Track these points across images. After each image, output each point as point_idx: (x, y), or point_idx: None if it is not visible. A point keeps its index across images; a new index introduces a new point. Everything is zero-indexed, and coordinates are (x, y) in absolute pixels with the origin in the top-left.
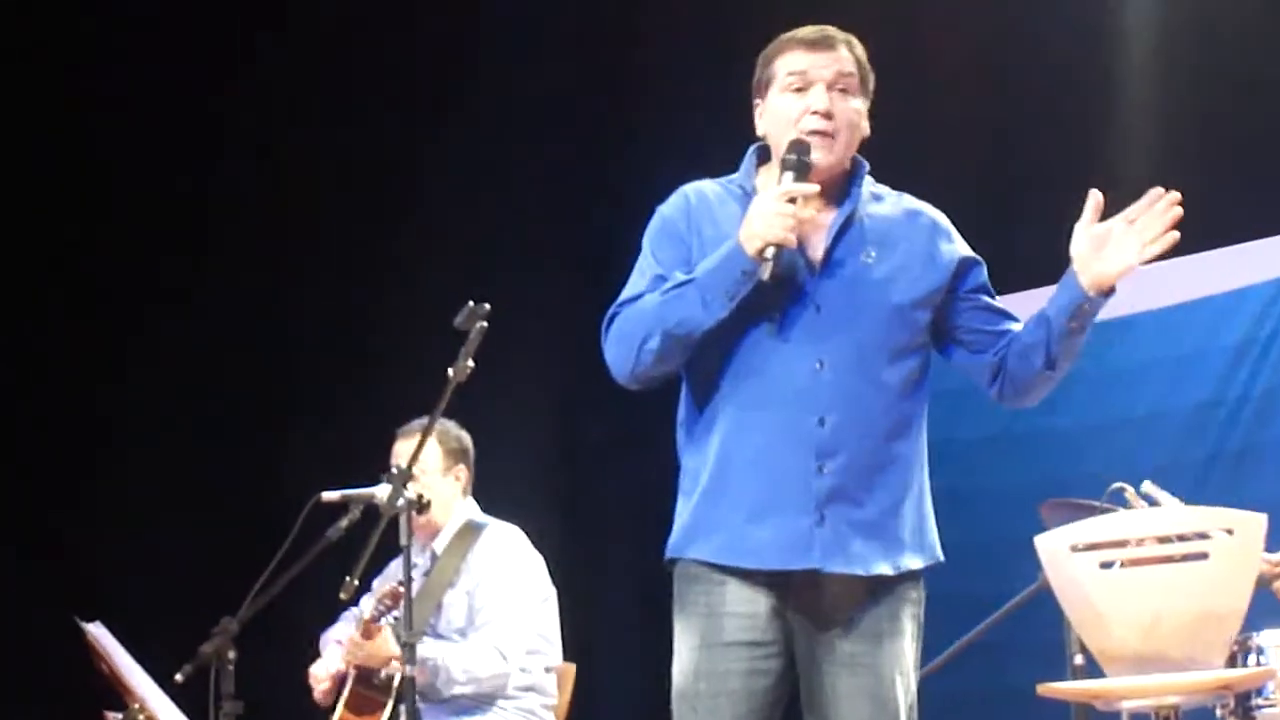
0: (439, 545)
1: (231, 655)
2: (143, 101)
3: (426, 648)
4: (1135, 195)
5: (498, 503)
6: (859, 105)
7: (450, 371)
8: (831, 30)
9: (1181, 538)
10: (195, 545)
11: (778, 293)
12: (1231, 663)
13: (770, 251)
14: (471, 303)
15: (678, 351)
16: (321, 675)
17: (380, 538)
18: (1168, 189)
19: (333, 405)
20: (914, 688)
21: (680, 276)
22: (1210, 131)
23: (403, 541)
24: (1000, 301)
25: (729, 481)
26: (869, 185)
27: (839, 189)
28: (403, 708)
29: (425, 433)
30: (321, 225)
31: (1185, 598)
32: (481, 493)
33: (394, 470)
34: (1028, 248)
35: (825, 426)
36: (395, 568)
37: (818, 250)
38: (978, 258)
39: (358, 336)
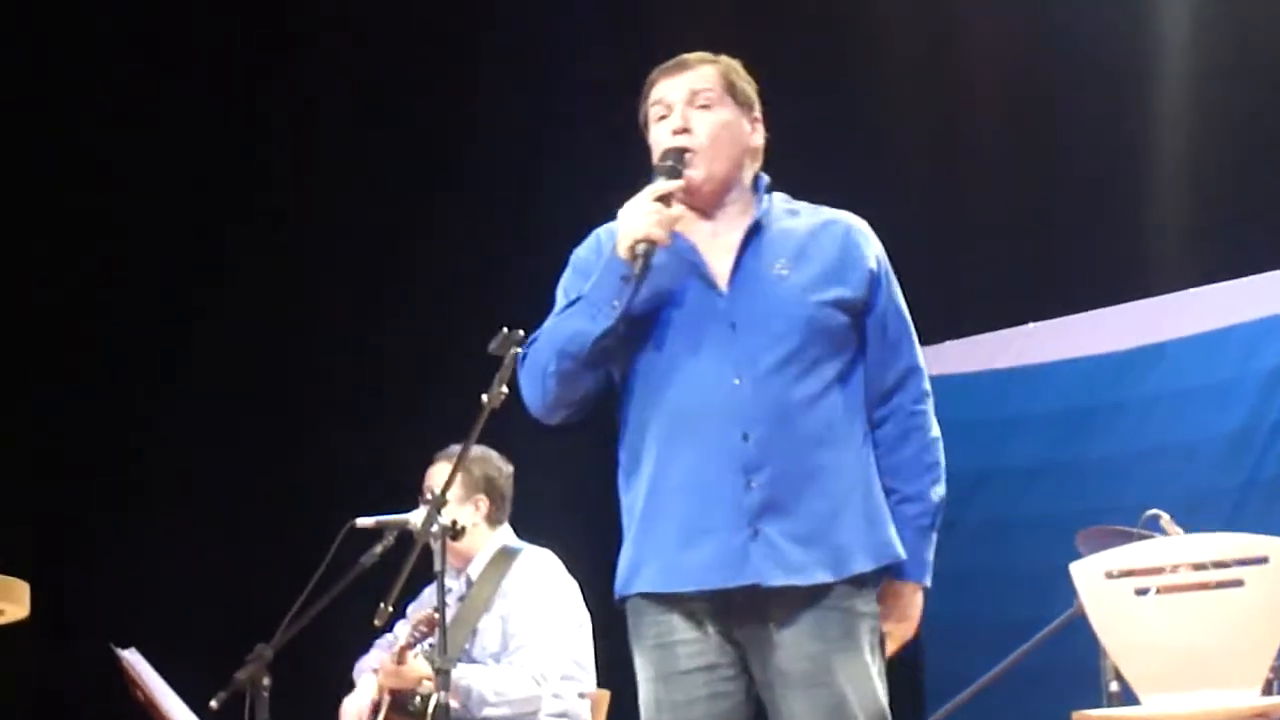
0: (474, 571)
1: (266, 682)
2: (173, 118)
3: (458, 671)
4: (1173, 219)
5: (534, 527)
6: (725, 116)
7: (484, 398)
8: (686, 56)
9: (1217, 565)
10: (230, 572)
11: (691, 317)
12: (1267, 690)
13: (641, 248)
14: (506, 329)
15: (577, 370)
16: (352, 712)
17: (415, 564)
18: (1206, 213)
19: (368, 432)
20: (881, 699)
21: (566, 302)
22: (1246, 160)
23: (437, 568)
24: (1043, 326)
25: (661, 509)
26: (782, 201)
27: (741, 205)
28: None
29: (459, 460)
30: (357, 246)
31: (1220, 625)
32: (518, 517)
33: (427, 497)
34: (1059, 273)
35: (749, 441)
36: (428, 595)
37: (726, 267)
38: (883, 276)
39: (394, 361)
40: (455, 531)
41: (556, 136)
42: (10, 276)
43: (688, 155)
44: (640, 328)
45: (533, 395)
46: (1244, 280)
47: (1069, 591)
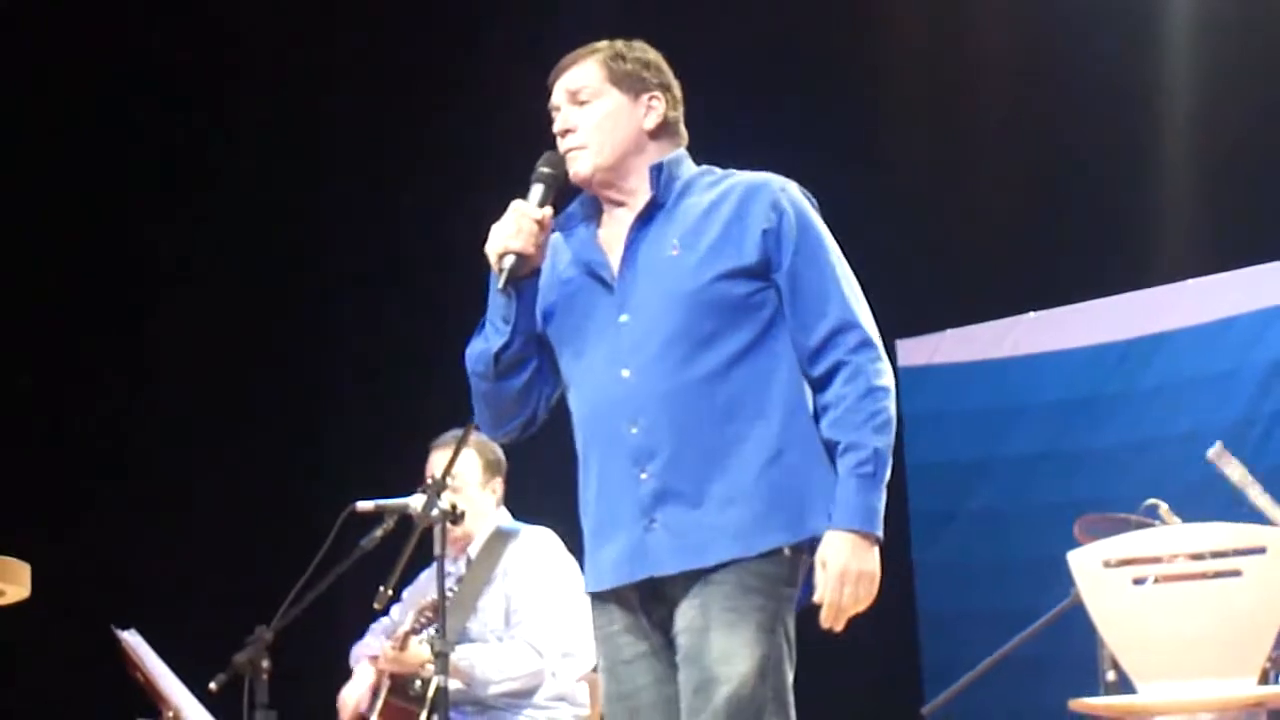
0: (473, 551)
1: (266, 664)
2: (186, 99)
3: (460, 652)
4: (1173, 212)
5: (533, 509)
6: (606, 107)
7: None
8: (574, 52)
9: (1215, 554)
10: (230, 554)
11: (587, 315)
12: (1264, 680)
13: (507, 261)
14: None
15: (495, 388)
16: (350, 703)
17: (414, 548)
18: (1207, 203)
19: (368, 416)
20: (753, 680)
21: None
22: (1247, 151)
23: (437, 552)
24: (1043, 315)
25: (587, 513)
26: (701, 176)
27: (645, 189)
28: (436, 718)
29: (459, 444)
30: (359, 228)
31: (1218, 614)
32: (517, 499)
33: (430, 481)
34: (1059, 263)
35: (638, 431)
36: (425, 579)
37: (616, 258)
38: (787, 232)
39: (394, 344)
40: (455, 516)
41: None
42: (7, 261)
43: (570, 154)
44: (556, 335)
45: (479, 418)
46: (1244, 271)
47: (1067, 581)
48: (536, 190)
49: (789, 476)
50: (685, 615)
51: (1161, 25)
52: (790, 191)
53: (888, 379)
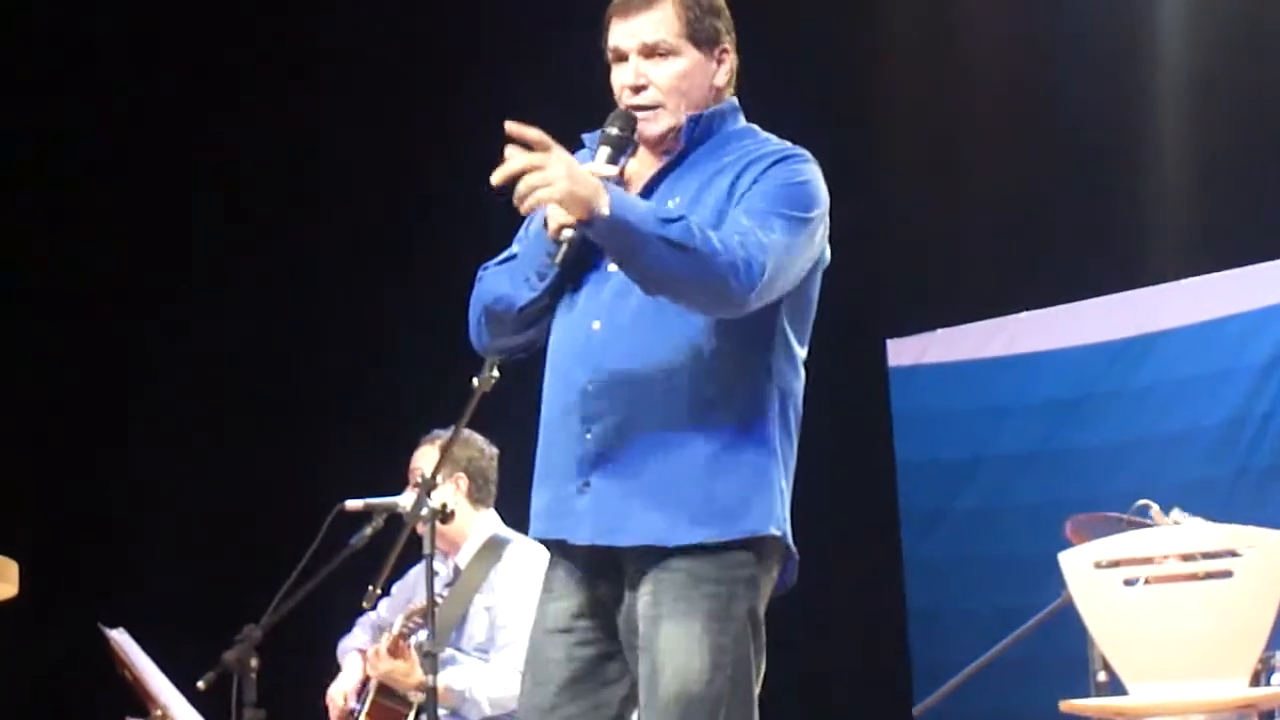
0: (462, 559)
1: (254, 663)
2: (171, 108)
3: (454, 677)
4: (1167, 209)
5: (523, 515)
6: (683, 65)
7: (475, 381)
8: None
9: (1206, 555)
10: (218, 552)
11: (586, 254)
12: (1255, 681)
13: (567, 233)
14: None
15: (505, 327)
16: (339, 700)
17: (403, 547)
18: (1200, 204)
19: (357, 413)
20: (703, 673)
21: (515, 250)
22: (1241, 150)
23: (426, 551)
24: (1034, 315)
25: (539, 452)
26: (737, 134)
27: (676, 141)
28: (424, 718)
29: (449, 443)
30: (347, 231)
31: (1209, 615)
32: (511, 502)
33: (415, 480)
34: (1051, 262)
35: (593, 389)
36: (414, 576)
37: None
38: (749, 166)
39: (383, 343)
40: (444, 515)
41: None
42: (5, 261)
43: (643, 114)
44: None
45: (472, 333)
46: (1237, 271)
47: (1058, 581)
48: (604, 153)
49: (734, 470)
50: (641, 602)
51: (1154, 26)
52: (791, 156)
53: (752, 275)
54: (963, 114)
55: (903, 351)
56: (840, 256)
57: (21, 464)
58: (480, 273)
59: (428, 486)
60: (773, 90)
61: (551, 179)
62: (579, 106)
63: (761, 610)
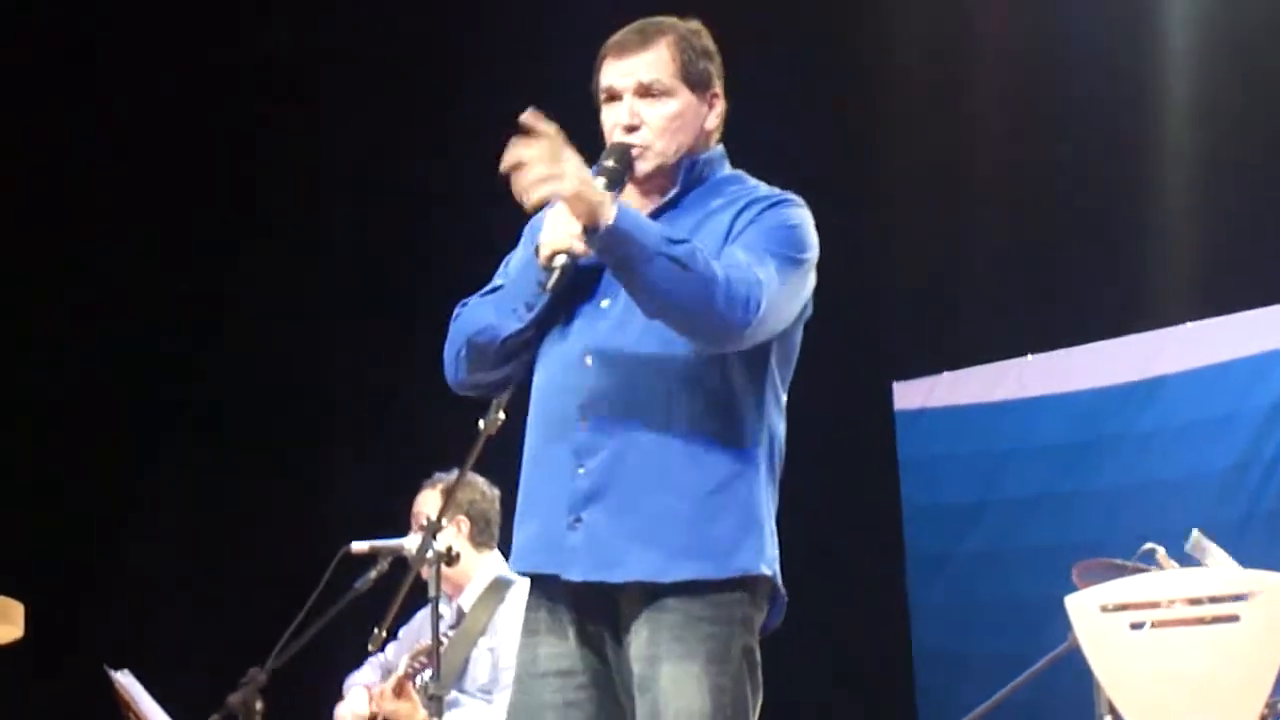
0: (466, 601)
1: (259, 706)
2: (181, 137)
3: (458, 719)
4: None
5: None
6: (676, 106)
7: (481, 424)
8: (641, 27)
9: (1213, 599)
10: (224, 594)
11: (576, 289)
12: None
13: (560, 260)
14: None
15: (487, 360)
16: (347, 716)
17: (408, 589)
18: (1205, 248)
19: (363, 455)
20: (715, 716)
21: (499, 283)
22: (1245, 195)
23: (431, 594)
24: (1040, 358)
25: (522, 486)
26: (726, 179)
27: (669, 182)
28: None
29: (454, 486)
30: (355, 274)
31: (1215, 660)
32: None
33: (424, 522)
34: (1056, 306)
35: (587, 423)
36: (421, 619)
37: None
38: (744, 210)
39: (389, 387)
40: (450, 558)
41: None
42: (12, 299)
43: (635, 151)
44: (549, 303)
45: (448, 368)
46: (1242, 315)
47: (1064, 624)
48: (600, 183)
49: (728, 510)
50: (636, 643)
51: (1160, 68)
52: (784, 201)
53: (749, 311)
54: (969, 159)
55: (909, 395)
56: (847, 300)
57: (27, 505)
58: (459, 309)
59: (433, 529)
60: (781, 135)
61: (563, 173)
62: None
63: (756, 649)
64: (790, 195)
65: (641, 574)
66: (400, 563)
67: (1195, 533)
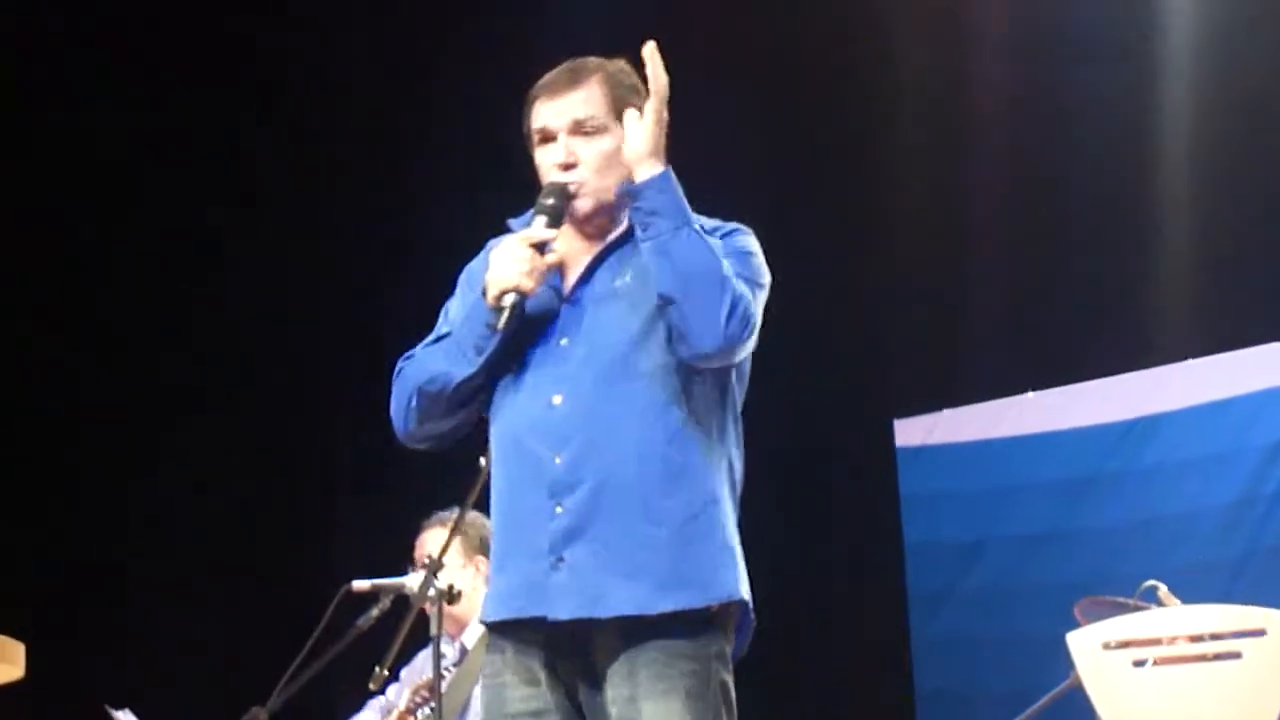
0: (469, 639)
1: None
2: (176, 140)
3: None
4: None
5: None
6: (611, 143)
7: (482, 461)
8: (570, 67)
9: (1215, 636)
10: (225, 633)
11: (534, 332)
12: None
13: (509, 299)
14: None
15: (439, 409)
16: None
17: (410, 628)
18: (1205, 285)
19: (365, 493)
20: None
21: (445, 331)
22: (1246, 232)
23: (433, 632)
24: (1041, 395)
25: (497, 535)
26: None
27: (618, 222)
28: None
29: (456, 523)
30: (355, 310)
31: (1218, 697)
32: None
33: (425, 560)
34: (1058, 343)
35: (560, 462)
36: (423, 659)
37: (571, 281)
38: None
39: (389, 424)
40: (451, 596)
41: None
42: (11, 334)
43: (572, 187)
44: (500, 346)
45: (397, 420)
46: (1243, 352)
47: (1066, 662)
48: (541, 221)
49: (705, 537)
50: (613, 683)
51: (1161, 104)
52: (739, 232)
53: (746, 328)
54: (969, 198)
55: (910, 432)
56: (848, 337)
57: (27, 544)
58: (401, 362)
59: (435, 567)
60: (781, 171)
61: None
62: None
63: (731, 683)
64: (739, 224)
65: (629, 608)
66: (402, 601)
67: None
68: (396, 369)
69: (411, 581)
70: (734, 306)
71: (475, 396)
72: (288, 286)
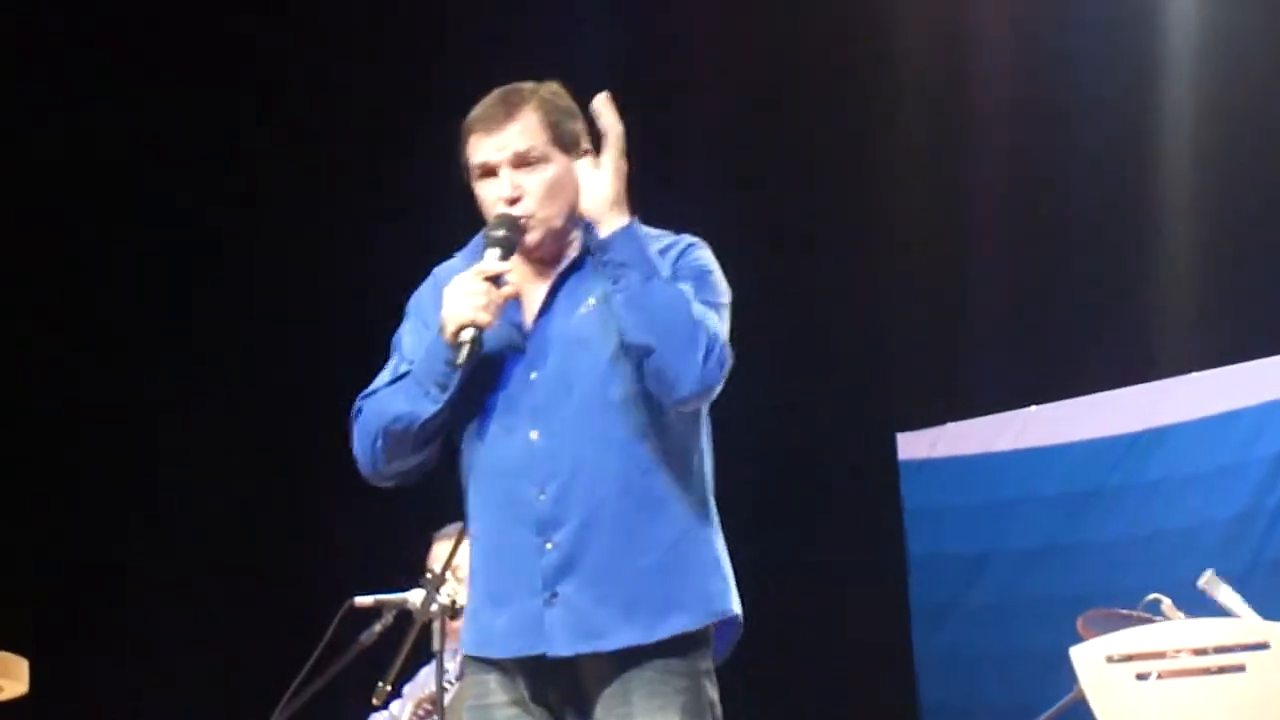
0: None
1: None
2: (183, 155)
3: None
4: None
5: None
6: (553, 171)
7: None
8: (504, 97)
9: (1219, 649)
10: (228, 648)
11: (499, 369)
12: None
13: (467, 334)
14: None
15: (405, 448)
16: None
17: (413, 643)
18: (1208, 298)
19: (367, 509)
20: None
21: (404, 369)
22: (1250, 244)
23: (435, 647)
24: (1044, 409)
25: (479, 573)
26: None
27: (576, 243)
28: None
29: (459, 538)
30: (355, 322)
31: (1222, 711)
32: None
33: (428, 575)
34: (1061, 356)
35: (545, 498)
36: (426, 674)
37: (532, 314)
38: (684, 277)
39: None
40: (455, 611)
41: None
42: (12, 349)
43: (522, 222)
44: (462, 386)
45: (363, 461)
46: (1247, 365)
47: (1070, 675)
48: (493, 256)
49: (694, 559)
50: (606, 705)
51: (1162, 117)
52: (695, 247)
53: (723, 367)
54: (970, 211)
55: (913, 445)
56: (851, 351)
57: (31, 561)
58: (359, 402)
59: (437, 582)
60: (782, 188)
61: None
62: None
63: (718, 700)
64: (692, 237)
65: (632, 639)
66: (405, 616)
67: (1209, 572)
68: (355, 409)
69: (414, 597)
70: (709, 350)
71: (440, 432)
72: (288, 286)
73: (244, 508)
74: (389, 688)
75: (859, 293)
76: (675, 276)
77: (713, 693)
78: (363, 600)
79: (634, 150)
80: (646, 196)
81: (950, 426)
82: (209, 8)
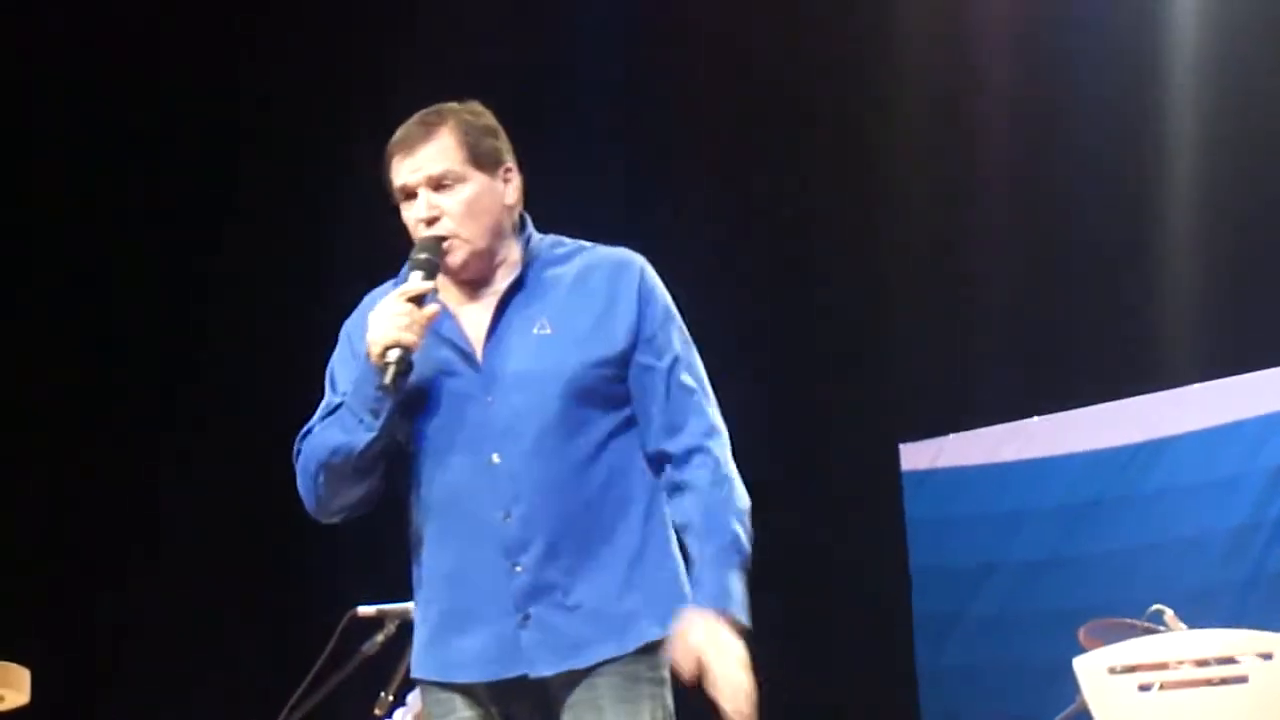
0: None
1: None
2: (188, 164)
3: None
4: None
5: None
6: (472, 190)
7: None
8: (422, 119)
9: (1221, 660)
10: (230, 658)
11: (448, 395)
12: None
13: (393, 354)
14: None
15: (346, 481)
16: None
17: None
18: (1210, 309)
19: (369, 518)
20: None
21: (336, 401)
22: (1251, 255)
23: None
24: (1047, 419)
25: (437, 597)
26: (551, 247)
27: (508, 263)
28: None
29: None
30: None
31: None
32: None
33: None
34: (1063, 367)
35: (511, 520)
36: None
37: (480, 338)
38: (652, 320)
39: None
40: None
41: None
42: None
43: (444, 244)
44: (405, 411)
45: (308, 500)
46: (1249, 376)
47: (1072, 686)
48: (416, 278)
49: (656, 568)
50: (576, 710)
51: (1165, 127)
52: (648, 274)
53: (733, 468)
54: (974, 221)
55: (916, 456)
56: (854, 363)
57: (32, 571)
58: (298, 443)
59: None
60: (785, 199)
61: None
62: None
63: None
64: (634, 256)
65: (609, 651)
66: (408, 626)
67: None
68: (295, 450)
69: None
70: (746, 509)
71: (379, 462)
72: (288, 286)
73: (246, 516)
74: (391, 698)
75: (862, 303)
76: (650, 342)
77: (670, 702)
78: (365, 610)
79: (634, 152)
80: (647, 198)
81: (953, 437)
82: (209, 7)
